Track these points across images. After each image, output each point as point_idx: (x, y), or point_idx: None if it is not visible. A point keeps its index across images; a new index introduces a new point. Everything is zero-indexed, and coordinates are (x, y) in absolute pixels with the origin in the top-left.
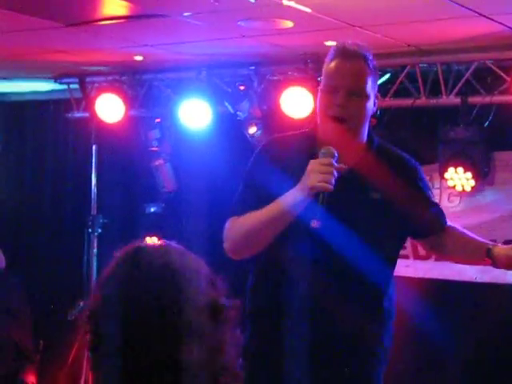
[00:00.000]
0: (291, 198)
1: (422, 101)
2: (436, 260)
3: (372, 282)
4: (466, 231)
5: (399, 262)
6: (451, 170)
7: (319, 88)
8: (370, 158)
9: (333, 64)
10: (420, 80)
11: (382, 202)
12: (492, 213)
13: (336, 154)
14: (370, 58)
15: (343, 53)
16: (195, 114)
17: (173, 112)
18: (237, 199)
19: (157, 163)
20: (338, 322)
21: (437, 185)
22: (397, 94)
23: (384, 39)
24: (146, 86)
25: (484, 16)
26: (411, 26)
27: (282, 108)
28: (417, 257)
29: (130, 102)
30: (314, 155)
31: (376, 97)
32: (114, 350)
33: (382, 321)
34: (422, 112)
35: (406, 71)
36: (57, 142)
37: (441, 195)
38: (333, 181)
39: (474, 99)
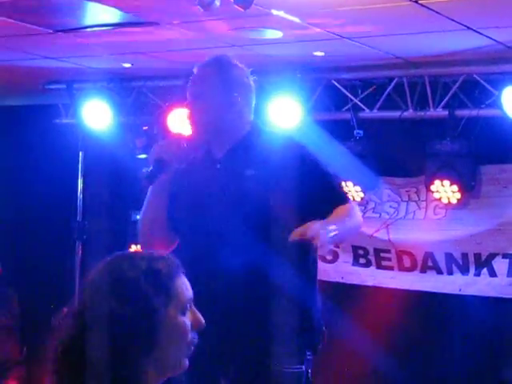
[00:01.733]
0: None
1: (410, 113)
2: (421, 272)
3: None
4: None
5: (384, 273)
6: (437, 182)
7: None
8: (245, 143)
9: (192, 76)
10: (407, 92)
11: (257, 178)
12: (477, 226)
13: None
14: (222, 63)
15: (200, 65)
16: (182, 122)
17: (160, 120)
18: None
19: (144, 171)
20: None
21: (423, 197)
22: (384, 107)
23: (372, 51)
24: (134, 94)
25: (472, 30)
26: (399, 38)
27: (269, 117)
28: (402, 268)
29: (117, 109)
30: None
31: (234, 96)
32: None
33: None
34: (409, 124)
35: (393, 83)
36: (44, 147)
37: (427, 207)
38: (170, 152)
39: (461, 112)
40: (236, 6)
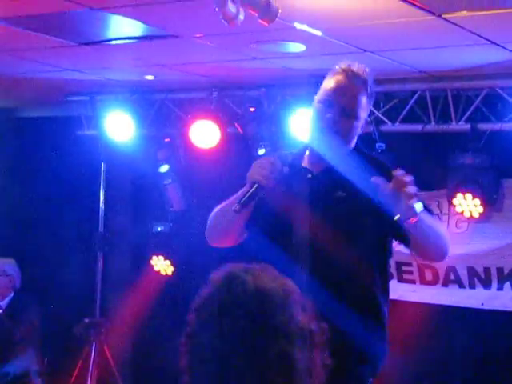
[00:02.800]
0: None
1: (432, 126)
2: (443, 285)
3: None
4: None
5: (406, 286)
6: (460, 196)
7: (316, 98)
8: (346, 164)
9: (333, 79)
10: (430, 106)
11: (347, 200)
12: (500, 240)
13: (287, 159)
14: (370, 82)
15: (345, 71)
16: (205, 135)
17: (182, 132)
18: None
19: (165, 182)
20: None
21: (445, 210)
22: (406, 120)
23: (395, 65)
24: (157, 106)
25: (495, 44)
26: (422, 51)
27: (292, 130)
28: (423, 282)
29: (139, 120)
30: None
31: (365, 120)
32: (210, 372)
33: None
34: (432, 137)
35: (416, 97)
36: (66, 159)
37: (449, 221)
38: (271, 178)
39: (484, 126)
40: (260, 21)
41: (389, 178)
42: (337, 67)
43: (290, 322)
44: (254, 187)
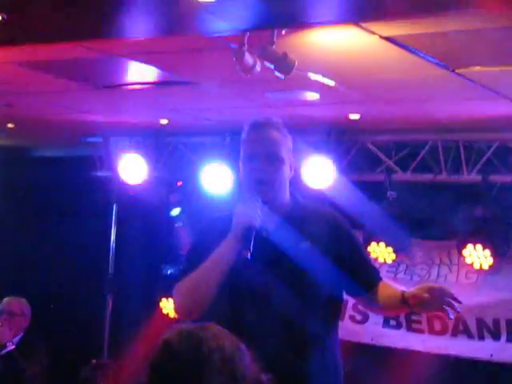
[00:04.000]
0: (227, 241)
1: (443, 176)
2: (452, 335)
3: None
4: (388, 282)
5: (415, 335)
6: (470, 246)
7: (240, 161)
8: (294, 214)
9: (247, 136)
10: (441, 156)
11: (312, 250)
12: (509, 292)
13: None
14: (281, 126)
15: (255, 124)
16: (217, 179)
17: (195, 175)
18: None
19: (176, 225)
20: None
21: (455, 261)
22: (418, 169)
23: (407, 114)
24: (170, 149)
25: (508, 98)
26: (435, 103)
27: (304, 177)
28: (432, 332)
29: (152, 163)
30: None
31: (292, 162)
32: None
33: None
34: (443, 188)
35: (427, 147)
36: (79, 199)
37: (458, 271)
38: (258, 216)
39: (495, 178)
40: (276, 73)
41: (333, 223)
42: (246, 125)
43: (246, 371)
44: (251, 230)
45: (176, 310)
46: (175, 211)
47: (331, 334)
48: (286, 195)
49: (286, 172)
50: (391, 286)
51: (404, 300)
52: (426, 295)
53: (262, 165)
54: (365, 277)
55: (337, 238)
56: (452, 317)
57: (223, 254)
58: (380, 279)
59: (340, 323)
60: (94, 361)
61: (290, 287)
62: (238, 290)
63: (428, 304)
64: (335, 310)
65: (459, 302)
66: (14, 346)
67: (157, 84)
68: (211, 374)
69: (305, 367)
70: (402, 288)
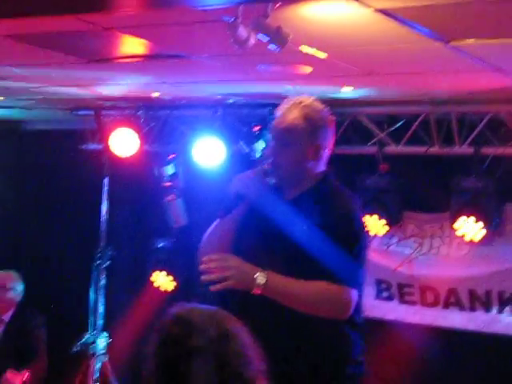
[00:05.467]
0: None
1: (435, 149)
2: (444, 307)
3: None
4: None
5: (407, 307)
6: (462, 219)
7: None
8: (311, 195)
9: (275, 116)
10: (434, 129)
11: (309, 232)
12: (501, 264)
13: (269, 172)
14: (307, 111)
15: (282, 107)
16: (209, 152)
17: (187, 149)
18: None
19: (168, 198)
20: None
21: (447, 233)
22: (410, 142)
23: (399, 87)
24: (161, 122)
25: (501, 70)
26: (428, 76)
27: None
28: (425, 303)
29: (144, 136)
30: None
31: (317, 146)
32: None
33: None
34: (435, 160)
35: (419, 120)
36: (70, 172)
37: (451, 243)
38: (253, 188)
39: (487, 150)
40: (271, 46)
41: (340, 214)
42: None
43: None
44: (237, 197)
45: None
46: (167, 184)
47: None
48: (308, 175)
49: (302, 157)
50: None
51: None
52: None
53: (274, 149)
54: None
55: (335, 232)
56: None
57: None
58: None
59: None
60: (86, 334)
61: (283, 264)
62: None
63: None
64: None
65: None
66: (6, 321)
67: (148, 57)
68: (199, 358)
69: (297, 343)
70: None
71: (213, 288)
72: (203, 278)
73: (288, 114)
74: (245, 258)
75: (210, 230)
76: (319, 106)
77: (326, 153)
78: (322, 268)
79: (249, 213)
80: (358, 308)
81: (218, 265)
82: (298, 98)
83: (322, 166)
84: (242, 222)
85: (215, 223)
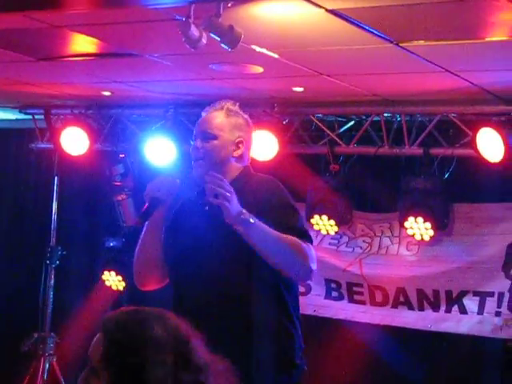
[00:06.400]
0: None
1: (385, 149)
2: (392, 307)
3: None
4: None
5: (356, 307)
6: (411, 219)
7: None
8: (235, 188)
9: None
10: (384, 129)
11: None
12: (449, 263)
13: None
14: (229, 109)
15: (206, 110)
16: (160, 151)
17: (138, 148)
18: None
19: (119, 198)
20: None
21: (396, 233)
22: (360, 142)
23: (350, 88)
24: (112, 121)
25: (450, 72)
26: (378, 77)
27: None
28: (374, 303)
29: (94, 135)
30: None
31: (239, 141)
32: None
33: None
34: (385, 161)
35: (370, 120)
36: (19, 171)
37: (400, 243)
38: (169, 192)
39: (436, 151)
40: (222, 45)
41: (276, 193)
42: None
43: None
44: (152, 202)
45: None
46: (117, 183)
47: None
48: (231, 171)
49: (223, 148)
50: None
51: None
52: None
53: (198, 143)
54: None
55: (269, 204)
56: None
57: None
58: None
59: None
60: (35, 334)
61: (221, 252)
62: (174, 256)
63: None
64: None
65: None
66: None
67: (99, 55)
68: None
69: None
70: None
71: (212, 199)
72: (208, 186)
73: (209, 112)
74: (181, 257)
75: (138, 245)
76: (240, 110)
77: (247, 151)
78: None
79: (174, 213)
80: (297, 304)
81: (224, 185)
82: (222, 101)
83: (244, 162)
84: (170, 224)
85: (142, 236)
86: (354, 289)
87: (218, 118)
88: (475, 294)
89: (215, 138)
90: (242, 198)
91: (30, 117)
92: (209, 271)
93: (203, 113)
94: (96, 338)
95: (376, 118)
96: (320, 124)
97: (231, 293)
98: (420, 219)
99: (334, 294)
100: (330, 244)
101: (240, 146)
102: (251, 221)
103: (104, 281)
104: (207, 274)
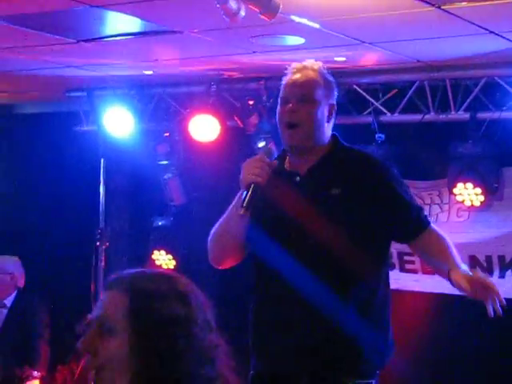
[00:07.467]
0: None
1: (431, 116)
2: None
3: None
4: (442, 240)
5: (408, 276)
6: (460, 185)
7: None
8: (331, 159)
9: (285, 79)
10: (429, 95)
11: (343, 197)
12: (501, 228)
13: (273, 152)
14: (322, 70)
15: (294, 68)
16: (204, 128)
17: (182, 126)
18: None
19: (165, 177)
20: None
21: (446, 200)
22: (405, 110)
23: (393, 55)
24: (155, 100)
25: (494, 33)
26: (421, 42)
27: None
28: (425, 271)
29: (138, 115)
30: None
31: (332, 106)
32: None
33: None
34: (431, 127)
35: (414, 87)
36: (65, 154)
37: (450, 210)
38: (264, 174)
39: (483, 115)
40: (262, 16)
41: (372, 170)
42: (287, 69)
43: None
44: (252, 188)
45: (209, 260)
46: (163, 162)
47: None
48: (323, 138)
49: (322, 114)
50: (442, 252)
51: (449, 278)
52: (467, 287)
53: (294, 107)
54: (403, 227)
55: (373, 184)
56: (492, 315)
57: (231, 211)
58: (420, 231)
59: None
60: (89, 316)
61: (317, 232)
62: (264, 238)
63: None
64: (374, 252)
65: (502, 303)
66: (8, 306)
67: (139, 34)
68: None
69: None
70: (450, 261)
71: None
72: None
73: (304, 71)
74: (273, 231)
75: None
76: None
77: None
78: (408, 223)
79: (265, 201)
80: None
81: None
82: (307, 61)
83: (330, 130)
84: (259, 213)
85: (228, 214)
86: (405, 258)
87: (317, 80)
88: None
89: (314, 101)
90: (340, 171)
91: (73, 100)
92: (311, 244)
93: (291, 70)
94: (109, 298)
95: (420, 85)
96: (364, 93)
97: (322, 275)
98: (469, 185)
99: None
100: None
101: (332, 111)
102: None
103: (154, 260)
104: (295, 253)
